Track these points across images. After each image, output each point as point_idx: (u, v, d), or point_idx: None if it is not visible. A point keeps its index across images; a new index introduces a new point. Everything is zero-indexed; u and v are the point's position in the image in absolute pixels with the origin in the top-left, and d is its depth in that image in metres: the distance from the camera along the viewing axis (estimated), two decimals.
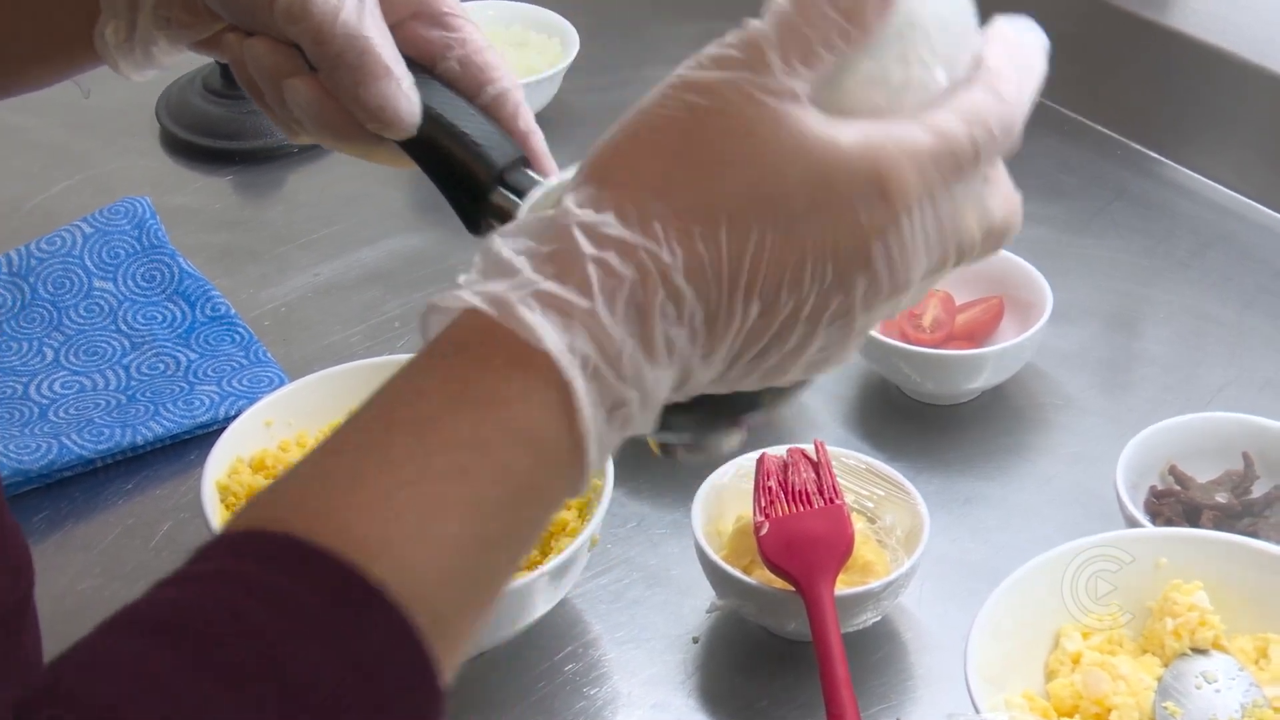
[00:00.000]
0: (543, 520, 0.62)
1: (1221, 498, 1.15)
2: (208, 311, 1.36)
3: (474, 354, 0.60)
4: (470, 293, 0.61)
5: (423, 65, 0.89)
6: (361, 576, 0.55)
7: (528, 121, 0.89)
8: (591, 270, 0.60)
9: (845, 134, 0.62)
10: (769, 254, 0.61)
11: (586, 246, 0.60)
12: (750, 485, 1.12)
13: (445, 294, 0.61)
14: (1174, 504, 1.15)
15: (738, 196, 0.61)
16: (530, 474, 0.60)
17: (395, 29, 0.88)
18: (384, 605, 0.55)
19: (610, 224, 0.61)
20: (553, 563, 1.05)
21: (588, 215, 0.61)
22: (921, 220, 0.63)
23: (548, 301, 0.60)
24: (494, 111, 0.88)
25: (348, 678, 0.54)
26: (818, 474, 1.11)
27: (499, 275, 0.61)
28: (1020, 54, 0.67)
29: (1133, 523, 1.11)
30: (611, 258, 0.60)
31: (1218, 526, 1.12)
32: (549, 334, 0.59)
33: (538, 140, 0.88)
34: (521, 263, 0.61)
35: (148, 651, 0.53)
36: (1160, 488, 1.17)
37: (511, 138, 0.87)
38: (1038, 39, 0.68)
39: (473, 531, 0.58)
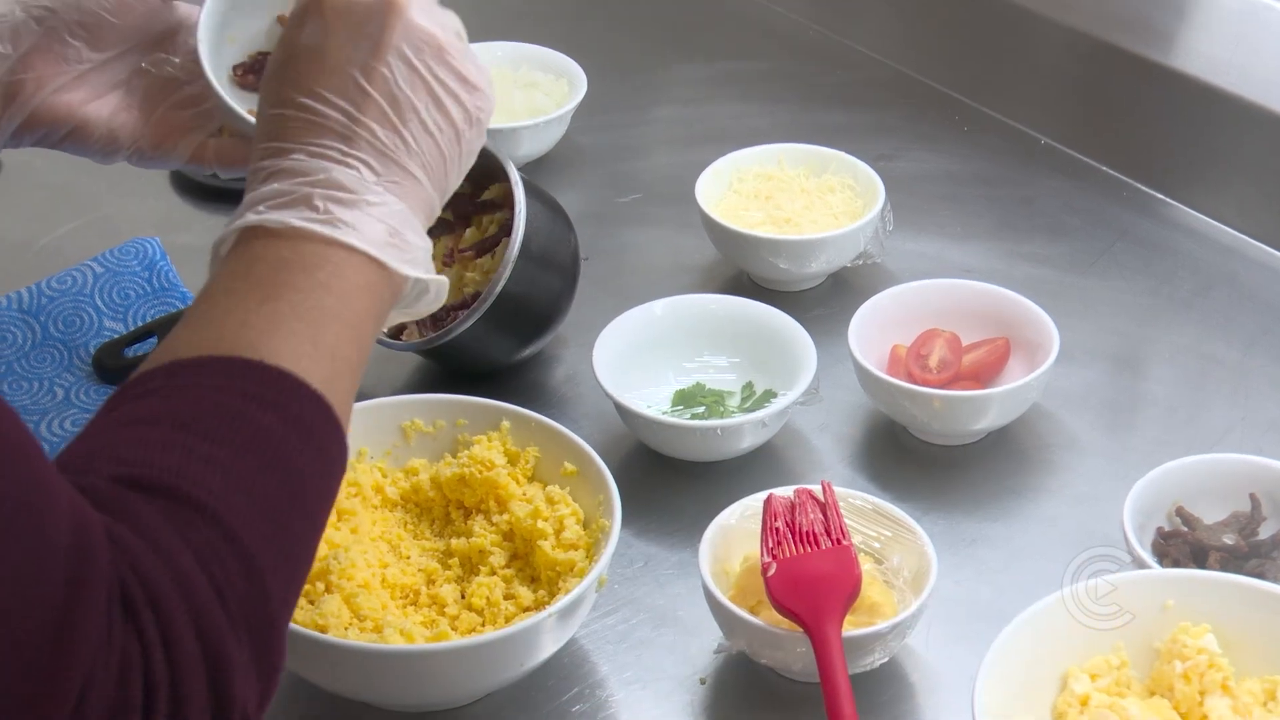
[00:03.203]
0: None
1: (1229, 539, 1.15)
2: None
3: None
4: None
5: None
6: (298, 380, 0.83)
7: None
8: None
9: None
10: None
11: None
12: (757, 526, 1.12)
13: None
14: (1181, 545, 1.15)
15: None
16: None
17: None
18: (313, 395, 0.83)
19: None
20: (560, 603, 1.05)
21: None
22: None
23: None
24: None
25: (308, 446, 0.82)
26: (825, 515, 1.11)
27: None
28: None
29: (1140, 564, 1.11)
30: None
31: (1225, 568, 1.12)
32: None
33: None
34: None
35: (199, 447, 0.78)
36: (1167, 529, 1.17)
37: None
38: None
39: (345, 352, 0.87)
